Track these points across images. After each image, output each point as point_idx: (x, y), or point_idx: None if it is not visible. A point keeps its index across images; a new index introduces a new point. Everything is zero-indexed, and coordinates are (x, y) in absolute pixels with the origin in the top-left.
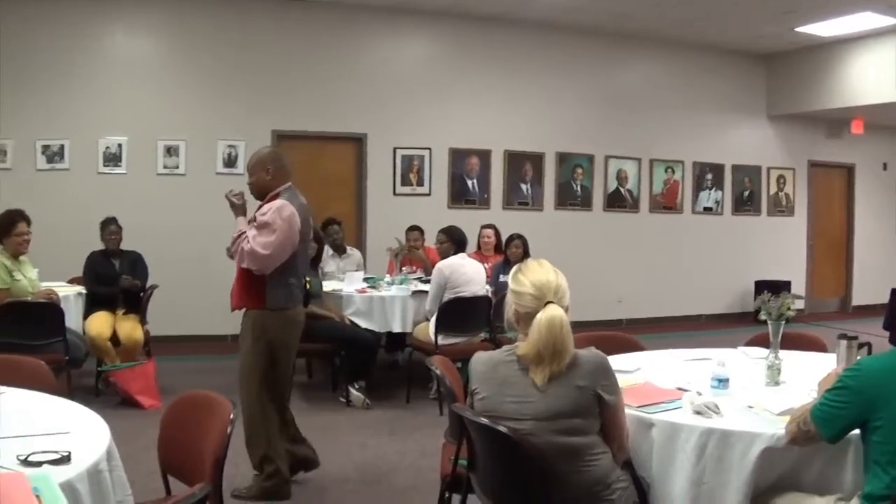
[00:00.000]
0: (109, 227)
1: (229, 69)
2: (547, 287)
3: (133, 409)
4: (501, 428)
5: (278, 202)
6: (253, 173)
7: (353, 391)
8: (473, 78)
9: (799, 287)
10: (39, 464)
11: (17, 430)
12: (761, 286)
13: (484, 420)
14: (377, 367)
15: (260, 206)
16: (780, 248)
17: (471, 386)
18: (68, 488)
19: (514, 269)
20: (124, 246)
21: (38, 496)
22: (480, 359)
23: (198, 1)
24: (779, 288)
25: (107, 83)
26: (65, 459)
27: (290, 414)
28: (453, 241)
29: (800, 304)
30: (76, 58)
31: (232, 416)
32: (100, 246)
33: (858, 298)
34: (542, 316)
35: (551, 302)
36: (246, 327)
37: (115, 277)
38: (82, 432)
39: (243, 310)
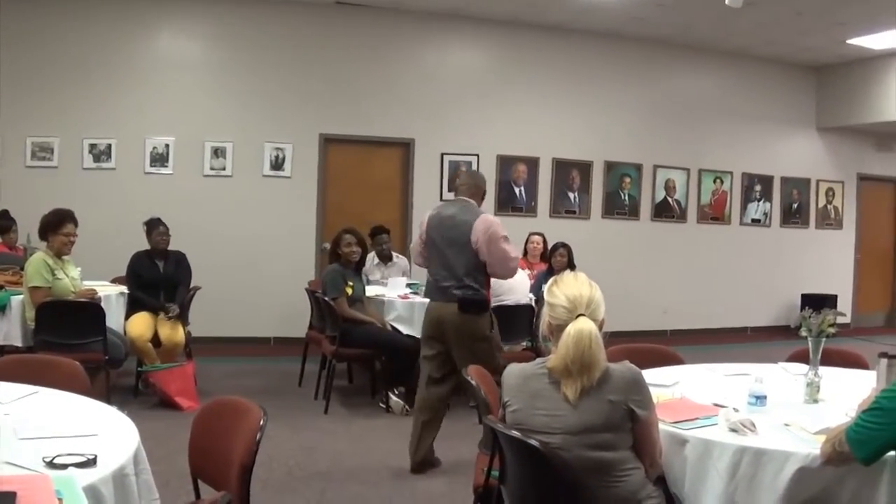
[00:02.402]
0: (158, 227)
1: (277, 72)
2: (579, 300)
3: (171, 411)
4: (532, 441)
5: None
6: (468, 184)
7: (392, 397)
8: (521, 85)
9: (845, 301)
10: (65, 466)
11: (46, 431)
12: (807, 300)
13: (515, 433)
14: (418, 373)
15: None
16: (828, 261)
17: (503, 398)
18: (92, 492)
19: (550, 281)
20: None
21: (60, 499)
22: (513, 371)
23: (246, 4)
24: (825, 302)
25: (155, 83)
26: (90, 462)
27: None
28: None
29: (846, 319)
30: (124, 57)
31: (262, 422)
32: (144, 246)
33: None
34: (570, 329)
35: (582, 315)
36: None
37: (159, 279)
38: (110, 435)
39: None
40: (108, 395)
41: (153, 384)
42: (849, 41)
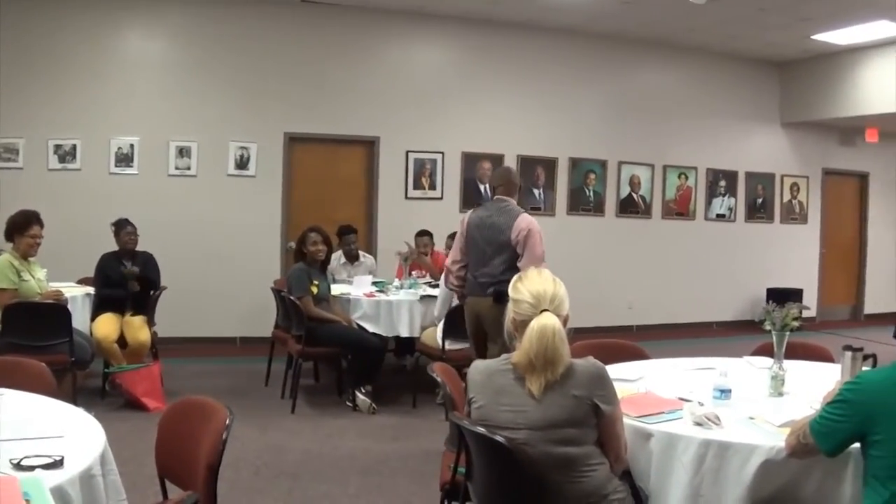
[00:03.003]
0: (126, 227)
1: (242, 71)
2: (543, 296)
3: (138, 412)
4: (498, 438)
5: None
6: (505, 182)
7: (359, 395)
8: (486, 82)
9: (811, 295)
10: (32, 468)
11: (12, 433)
12: (773, 294)
13: (480, 429)
14: (386, 371)
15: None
16: (793, 255)
17: (468, 394)
18: (59, 493)
19: (515, 278)
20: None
21: (27, 500)
22: (477, 367)
23: (211, 3)
24: (790, 296)
25: (119, 83)
26: (57, 464)
27: None
28: None
29: (811, 313)
30: (89, 58)
31: (228, 422)
32: (111, 246)
33: (871, 307)
34: (534, 324)
35: (546, 310)
36: None
37: (126, 280)
38: (77, 436)
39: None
40: (74, 396)
41: (119, 385)
42: (813, 37)
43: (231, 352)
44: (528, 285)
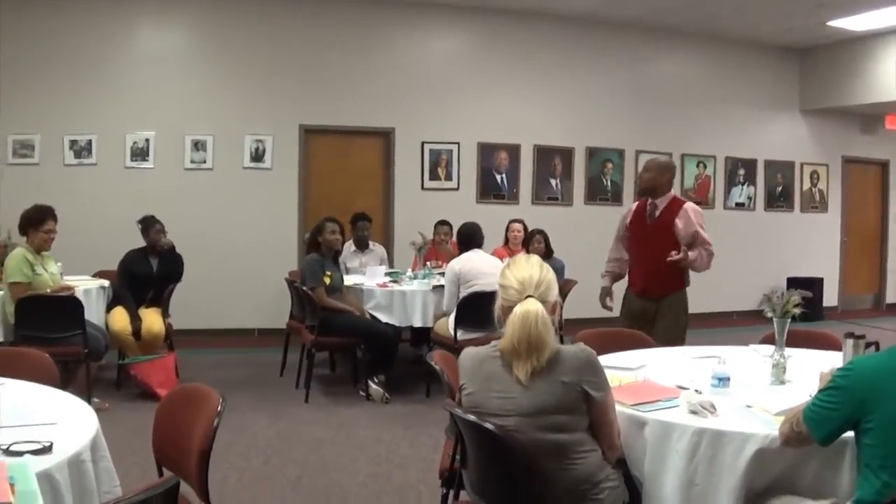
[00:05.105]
0: (155, 225)
1: (257, 64)
2: (529, 282)
3: (152, 402)
4: (487, 425)
5: (688, 207)
6: (648, 170)
7: (372, 385)
8: (503, 72)
9: (832, 284)
10: (21, 453)
11: (7, 420)
12: (793, 283)
13: (470, 417)
14: (401, 361)
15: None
16: (814, 244)
17: (459, 381)
18: (47, 477)
19: (504, 264)
20: None
21: (12, 484)
22: (468, 354)
23: None
24: (811, 285)
25: (134, 78)
26: (46, 450)
27: None
28: (459, 238)
29: (833, 302)
30: (104, 53)
31: (220, 408)
32: (127, 240)
33: (893, 296)
34: (517, 310)
35: (531, 296)
36: (674, 306)
37: (151, 277)
38: (69, 424)
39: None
40: (89, 387)
41: (135, 376)
42: (829, 23)
43: (249, 343)
44: (514, 272)
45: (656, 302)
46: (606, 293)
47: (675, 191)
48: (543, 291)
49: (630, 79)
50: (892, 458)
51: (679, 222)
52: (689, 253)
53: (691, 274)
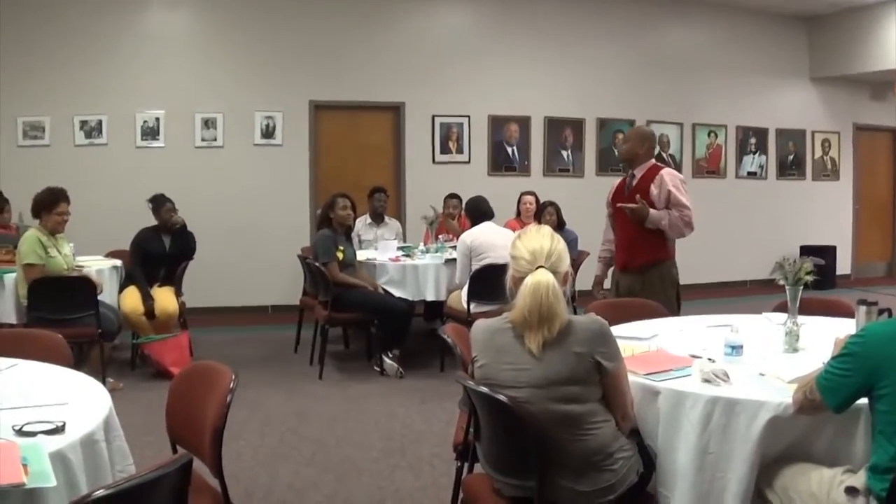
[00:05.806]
0: (165, 204)
1: (265, 40)
2: (540, 252)
3: (166, 381)
4: (500, 396)
5: (664, 172)
6: (627, 140)
7: (386, 360)
8: (511, 44)
9: (845, 252)
10: (34, 434)
11: (20, 401)
12: (806, 251)
13: (483, 389)
14: (415, 335)
15: (633, 178)
16: (826, 212)
17: (472, 354)
18: (60, 458)
19: (515, 235)
20: None
21: (25, 465)
22: (479, 326)
23: None
24: (824, 253)
25: (143, 57)
26: (59, 430)
27: None
28: (468, 212)
29: (846, 270)
30: (113, 33)
31: (232, 385)
32: (138, 220)
33: None
34: (528, 280)
35: (542, 267)
36: (660, 277)
37: (163, 256)
38: (81, 403)
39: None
40: (104, 367)
41: (148, 356)
42: None
43: (263, 320)
44: (525, 242)
45: (641, 276)
46: (598, 281)
47: (687, 160)
48: (555, 262)
49: (640, 49)
50: None
51: (654, 188)
52: (653, 211)
53: (705, 246)
